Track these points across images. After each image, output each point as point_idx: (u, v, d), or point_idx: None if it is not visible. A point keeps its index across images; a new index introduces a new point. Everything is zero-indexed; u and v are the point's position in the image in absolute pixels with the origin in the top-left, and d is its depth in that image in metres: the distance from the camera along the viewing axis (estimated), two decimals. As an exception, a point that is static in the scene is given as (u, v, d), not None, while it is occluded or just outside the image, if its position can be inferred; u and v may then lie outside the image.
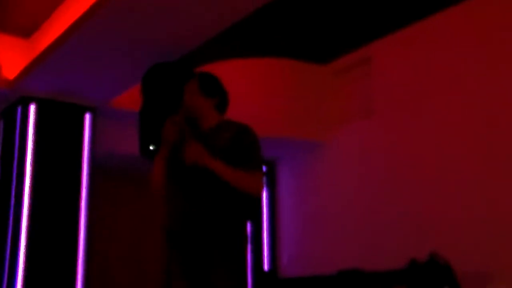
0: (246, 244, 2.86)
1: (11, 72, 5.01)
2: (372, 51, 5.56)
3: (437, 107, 4.99)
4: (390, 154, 5.33)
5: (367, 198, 5.47)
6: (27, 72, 4.80)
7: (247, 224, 2.93)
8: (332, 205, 5.81)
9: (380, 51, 5.49)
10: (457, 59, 4.90)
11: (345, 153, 5.80)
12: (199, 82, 3.03)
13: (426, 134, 5.06)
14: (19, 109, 5.02)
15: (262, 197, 6.36)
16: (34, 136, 4.96)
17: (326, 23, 5.24)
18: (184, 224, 2.78)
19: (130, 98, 5.01)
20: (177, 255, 2.81)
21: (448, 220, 4.74)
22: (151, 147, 4.34)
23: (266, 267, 6.25)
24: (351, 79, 5.86)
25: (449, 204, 4.76)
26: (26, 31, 5.04)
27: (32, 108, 5.00)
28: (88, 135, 5.19)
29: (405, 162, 5.18)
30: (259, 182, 2.86)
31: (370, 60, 5.58)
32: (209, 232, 2.75)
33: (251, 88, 5.74)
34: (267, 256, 6.32)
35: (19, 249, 4.76)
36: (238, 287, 2.73)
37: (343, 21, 5.21)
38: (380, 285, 4.66)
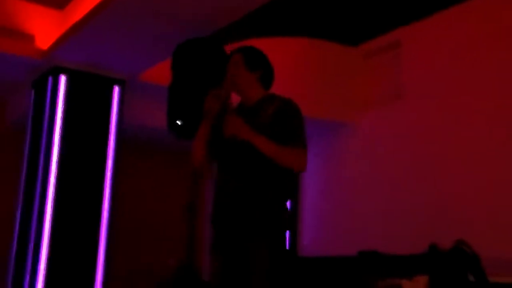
0: (286, 222, 2.82)
1: (44, 42, 5.10)
2: (402, 35, 5.56)
3: (466, 94, 4.99)
4: (416, 139, 5.35)
5: (392, 182, 5.50)
6: (59, 43, 4.88)
7: (287, 201, 2.88)
8: (356, 188, 5.85)
9: (411, 35, 5.50)
10: (487, 47, 4.90)
11: (372, 135, 5.82)
12: (243, 55, 2.95)
13: (454, 121, 5.07)
14: (50, 80, 5.11)
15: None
16: (64, 106, 5.05)
17: (357, 5, 5.23)
18: (227, 199, 2.77)
19: (160, 73, 5.03)
20: (218, 230, 2.82)
21: (475, 207, 4.75)
22: (178, 122, 4.40)
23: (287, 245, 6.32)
24: (381, 62, 5.87)
25: (476, 191, 4.78)
26: (60, 2, 5.10)
27: (63, 79, 5.07)
28: (116, 107, 5.25)
29: (431, 147, 5.20)
30: (303, 158, 2.79)
31: (400, 44, 5.59)
32: (250, 208, 2.72)
33: (280, 66, 5.72)
34: (288, 234, 6.35)
35: (45, 214, 4.87)
36: (275, 261, 2.72)
37: (374, 3, 5.20)
38: (400, 269, 4.70)
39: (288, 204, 2.89)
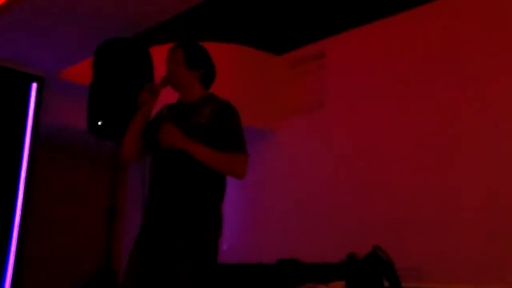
0: (220, 227, 2.76)
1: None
2: (327, 46, 5.68)
3: (387, 104, 5.14)
4: (338, 147, 5.46)
5: (313, 191, 5.57)
6: (-31, 35, 4.64)
7: (221, 205, 2.81)
8: (276, 196, 5.89)
9: (335, 46, 5.63)
10: (408, 62, 5.07)
11: (293, 143, 5.89)
12: (185, 51, 2.88)
13: (373, 130, 5.20)
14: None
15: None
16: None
17: (282, 13, 5.29)
18: (160, 201, 2.71)
19: (81, 71, 4.91)
20: (147, 229, 2.74)
21: (392, 216, 4.87)
22: (99, 123, 4.31)
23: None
24: (305, 71, 5.96)
25: (394, 200, 4.91)
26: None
27: (-26, 74, 4.86)
28: (34, 106, 5.06)
29: (352, 154, 5.32)
30: (244, 164, 2.73)
31: (325, 55, 5.71)
32: (183, 210, 2.66)
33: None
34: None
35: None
36: (202, 266, 2.63)
37: (300, 12, 5.28)
38: (318, 277, 4.79)
39: (221, 208, 2.82)
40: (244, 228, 6.13)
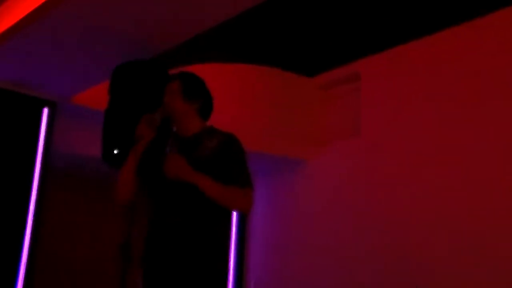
0: (226, 270, 2.77)
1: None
2: (362, 67, 5.52)
3: (429, 134, 4.94)
4: (374, 178, 5.27)
5: (347, 226, 5.38)
6: (-21, 57, 4.54)
7: (228, 244, 2.85)
8: (307, 230, 5.71)
9: (371, 67, 5.46)
10: (451, 85, 4.87)
11: (326, 174, 5.71)
12: (182, 83, 2.92)
13: (414, 159, 4.99)
14: (-32, 98, 4.74)
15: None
16: (-17, 129, 4.70)
17: (313, 32, 5.15)
18: (162, 240, 2.69)
19: (96, 96, 4.84)
20: (149, 276, 2.73)
21: (432, 252, 4.66)
22: (115, 151, 4.18)
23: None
24: (338, 94, 5.83)
25: (438, 239, 4.68)
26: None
27: (-17, 98, 4.72)
28: (45, 132, 4.98)
29: (390, 188, 5.12)
30: (250, 198, 2.76)
31: (360, 77, 5.54)
32: (188, 250, 2.64)
33: (228, 95, 5.66)
34: (232, 277, 6.20)
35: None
36: None
37: (334, 33, 5.14)
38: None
39: (228, 249, 2.85)
40: (273, 263, 5.99)
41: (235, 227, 6.26)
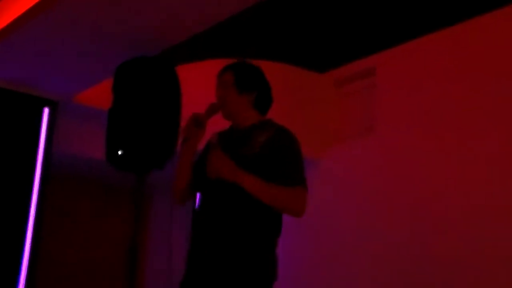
0: (275, 270, 2.67)
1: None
2: (377, 62, 5.45)
3: (447, 130, 4.88)
4: (389, 178, 5.21)
5: (362, 227, 5.32)
6: (-22, 55, 4.46)
7: (276, 245, 2.70)
8: (319, 229, 5.64)
9: (387, 62, 5.39)
10: (470, 80, 4.81)
11: (339, 174, 5.64)
12: (234, 74, 2.82)
13: (430, 158, 4.94)
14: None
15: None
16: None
17: (325, 25, 5.07)
18: (207, 242, 2.61)
19: (99, 95, 4.80)
20: (189, 277, 2.67)
21: (455, 255, 4.62)
22: (119, 152, 4.14)
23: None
24: (352, 91, 5.76)
25: (458, 238, 4.63)
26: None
27: (-18, 97, 4.67)
28: (45, 133, 4.95)
29: (406, 187, 5.06)
30: (303, 199, 2.63)
31: (375, 72, 5.48)
32: (234, 253, 2.56)
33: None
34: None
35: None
36: None
37: (346, 24, 5.06)
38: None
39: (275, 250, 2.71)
40: (286, 270, 5.93)
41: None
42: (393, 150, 5.26)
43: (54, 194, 5.18)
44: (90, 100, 5.07)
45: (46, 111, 5.02)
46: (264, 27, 5.08)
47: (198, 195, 2.87)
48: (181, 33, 4.19)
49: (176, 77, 4.27)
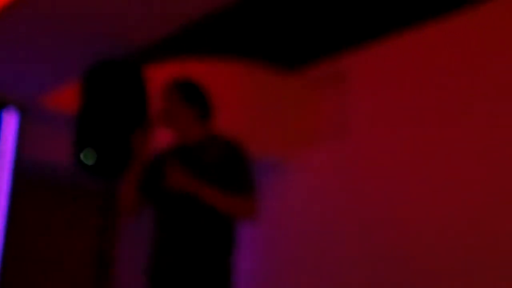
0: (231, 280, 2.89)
1: None
2: (349, 62, 5.44)
3: (419, 134, 4.91)
4: (361, 184, 5.21)
5: (330, 234, 5.34)
6: None
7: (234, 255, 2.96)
8: (287, 237, 5.69)
9: (360, 62, 5.39)
10: (448, 81, 4.82)
11: (308, 178, 5.63)
12: (179, 88, 3.06)
13: (405, 163, 4.95)
14: None
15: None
16: None
17: (294, 21, 5.04)
18: (167, 254, 2.86)
19: (66, 98, 4.85)
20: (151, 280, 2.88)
21: (425, 259, 4.68)
22: (80, 156, 4.21)
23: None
24: (323, 92, 5.74)
25: (433, 249, 4.67)
26: None
27: None
28: (11, 137, 5.05)
29: (378, 195, 5.06)
30: (252, 205, 2.92)
31: (347, 72, 5.47)
32: (194, 264, 2.81)
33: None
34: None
35: None
36: None
37: (317, 21, 5.04)
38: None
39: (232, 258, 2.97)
40: (251, 274, 5.87)
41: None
42: (366, 155, 5.27)
43: (19, 199, 5.21)
44: (56, 104, 5.13)
45: (9, 114, 5.09)
46: (235, 21, 5.07)
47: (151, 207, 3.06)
48: (149, 33, 4.34)
49: (144, 80, 4.34)
